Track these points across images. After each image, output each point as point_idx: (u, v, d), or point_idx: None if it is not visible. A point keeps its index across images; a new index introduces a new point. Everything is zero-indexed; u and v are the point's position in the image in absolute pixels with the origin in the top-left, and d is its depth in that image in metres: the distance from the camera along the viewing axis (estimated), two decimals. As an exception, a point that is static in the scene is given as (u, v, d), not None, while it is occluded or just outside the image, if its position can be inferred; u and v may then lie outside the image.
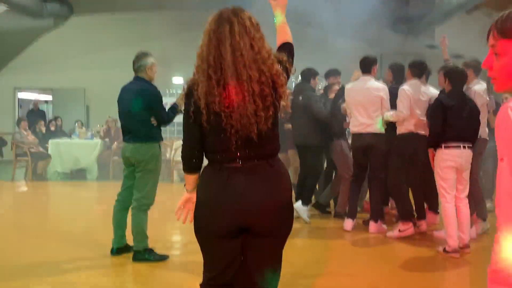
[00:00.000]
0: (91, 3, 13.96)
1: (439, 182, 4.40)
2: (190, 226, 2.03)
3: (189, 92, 1.91)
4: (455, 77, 4.44)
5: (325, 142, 5.81)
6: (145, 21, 13.46)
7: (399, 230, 4.98)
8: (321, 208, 6.14)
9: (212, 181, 1.91)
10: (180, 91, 13.57)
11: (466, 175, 4.40)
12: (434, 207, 5.58)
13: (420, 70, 5.07)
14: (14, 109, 14.43)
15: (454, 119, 4.29)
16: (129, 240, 4.20)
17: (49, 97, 15.28)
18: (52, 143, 9.91)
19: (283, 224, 1.95)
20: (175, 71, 13.39)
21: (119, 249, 4.25)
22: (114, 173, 9.57)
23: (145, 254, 4.04)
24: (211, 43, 1.83)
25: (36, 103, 13.59)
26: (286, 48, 2.08)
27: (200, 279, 2.07)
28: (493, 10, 13.51)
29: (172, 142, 9.82)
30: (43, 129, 11.04)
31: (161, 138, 4.21)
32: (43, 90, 15.31)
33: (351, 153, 5.59)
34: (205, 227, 1.94)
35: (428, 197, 5.47)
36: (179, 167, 9.55)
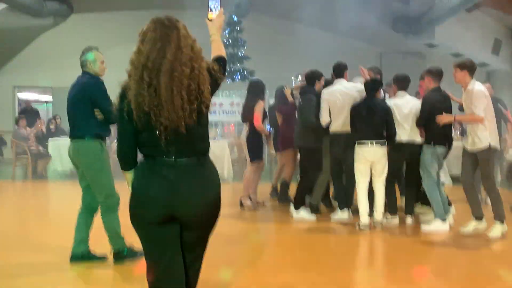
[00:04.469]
0: (91, 2, 13.97)
1: None
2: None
3: (123, 94, 2.09)
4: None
5: (320, 144, 5.85)
6: (146, 19, 13.41)
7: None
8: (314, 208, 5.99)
9: (145, 173, 2.08)
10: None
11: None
12: None
13: (405, 83, 5.55)
14: (13, 108, 14.43)
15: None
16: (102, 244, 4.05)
17: (48, 97, 15.28)
18: (52, 142, 9.91)
19: (208, 218, 2.12)
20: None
21: (77, 256, 3.97)
22: (114, 172, 9.57)
23: (124, 253, 3.95)
24: (155, 47, 2.01)
25: (28, 102, 13.56)
26: (220, 61, 2.29)
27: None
28: (493, 8, 13.51)
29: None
30: (43, 128, 11.03)
31: (105, 134, 4.03)
32: (43, 89, 15.32)
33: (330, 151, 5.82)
34: (137, 216, 2.09)
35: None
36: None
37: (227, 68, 13.98)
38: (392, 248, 4.73)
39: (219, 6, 2.41)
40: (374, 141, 5.16)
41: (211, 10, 2.41)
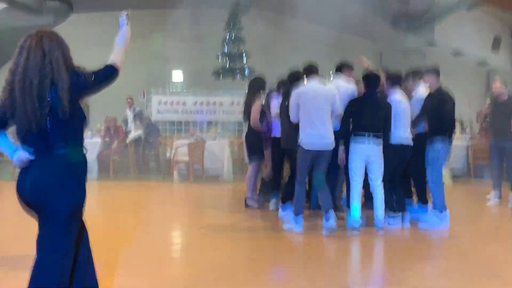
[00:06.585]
0: (91, 1, 13.96)
1: None
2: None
3: None
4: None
5: None
6: (145, 19, 13.45)
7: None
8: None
9: None
10: (179, 88, 13.31)
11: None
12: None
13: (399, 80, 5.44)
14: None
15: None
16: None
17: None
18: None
19: (49, 201, 2.47)
20: (174, 68, 13.38)
21: None
22: (114, 172, 9.56)
23: None
24: (19, 55, 2.36)
25: None
26: (107, 67, 2.64)
27: None
28: (493, 7, 13.50)
29: (172, 141, 9.75)
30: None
31: None
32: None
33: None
34: None
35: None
36: (180, 167, 9.51)
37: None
38: (392, 248, 4.73)
39: (125, 21, 2.86)
40: (371, 136, 4.91)
41: (120, 26, 2.82)
